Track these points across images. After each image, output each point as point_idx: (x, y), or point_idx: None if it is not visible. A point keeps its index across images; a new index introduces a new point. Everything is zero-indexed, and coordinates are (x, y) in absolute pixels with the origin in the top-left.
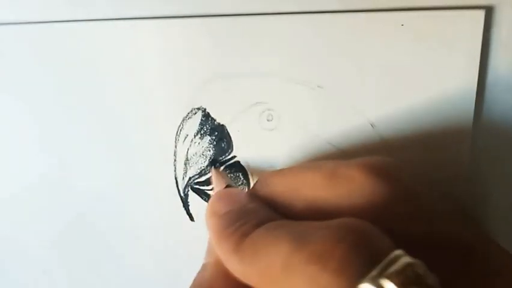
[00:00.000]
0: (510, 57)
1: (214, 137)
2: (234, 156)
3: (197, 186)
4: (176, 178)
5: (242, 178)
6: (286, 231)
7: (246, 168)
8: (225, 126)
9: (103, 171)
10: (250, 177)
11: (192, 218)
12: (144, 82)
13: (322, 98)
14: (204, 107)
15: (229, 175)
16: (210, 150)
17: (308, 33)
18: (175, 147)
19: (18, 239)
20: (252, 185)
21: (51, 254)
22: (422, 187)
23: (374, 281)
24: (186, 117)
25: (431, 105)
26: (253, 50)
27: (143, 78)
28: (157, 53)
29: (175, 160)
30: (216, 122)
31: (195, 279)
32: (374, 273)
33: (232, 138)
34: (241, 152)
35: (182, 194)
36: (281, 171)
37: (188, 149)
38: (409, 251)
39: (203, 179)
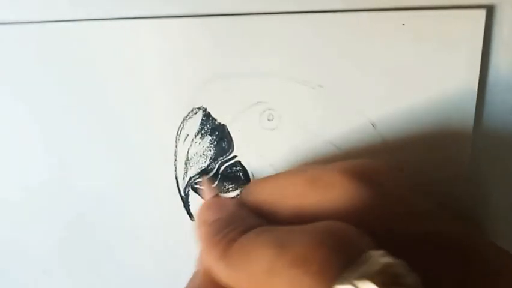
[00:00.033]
0: (511, 57)
1: (214, 137)
2: (235, 156)
3: (198, 186)
4: (177, 178)
5: (243, 178)
6: (270, 236)
7: (247, 168)
8: (226, 126)
9: (103, 171)
10: (251, 176)
11: (192, 218)
12: (144, 82)
13: (323, 97)
14: (205, 106)
15: (229, 175)
16: (210, 150)
17: (309, 32)
18: (176, 147)
19: (18, 239)
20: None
21: (51, 254)
22: (409, 189)
23: (349, 281)
24: (187, 117)
25: (432, 105)
26: (254, 50)
27: (143, 78)
28: (157, 53)
29: (175, 160)
30: (216, 122)
31: (185, 287)
32: (351, 274)
33: (233, 138)
34: (242, 151)
35: (183, 194)
36: (266, 179)
37: (189, 149)
38: (396, 252)
39: None
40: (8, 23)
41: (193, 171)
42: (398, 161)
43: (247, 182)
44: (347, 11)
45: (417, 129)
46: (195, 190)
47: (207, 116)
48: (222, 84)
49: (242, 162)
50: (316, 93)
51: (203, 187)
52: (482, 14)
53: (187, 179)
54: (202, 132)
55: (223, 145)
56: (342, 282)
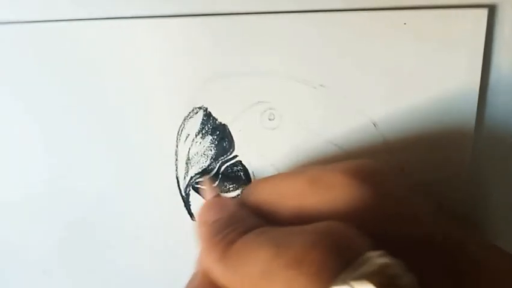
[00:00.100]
0: None
1: (215, 137)
2: (236, 156)
3: (198, 186)
4: (177, 178)
5: (243, 178)
6: (269, 237)
7: (248, 168)
8: (227, 126)
9: (104, 171)
10: (251, 176)
11: (193, 218)
12: (145, 81)
13: (324, 97)
14: (206, 106)
15: (230, 174)
16: (211, 150)
17: (310, 32)
18: (177, 146)
19: (18, 239)
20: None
21: (51, 254)
22: (408, 190)
23: (346, 282)
24: (187, 116)
25: (433, 105)
26: (255, 49)
27: (143, 78)
28: (157, 52)
29: (176, 160)
30: (217, 122)
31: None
32: (348, 274)
33: (234, 138)
34: (243, 151)
35: (183, 194)
36: (267, 179)
37: (189, 149)
38: (394, 253)
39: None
40: (8, 23)
41: (193, 171)
42: (399, 161)
43: (248, 182)
44: (348, 10)
45: (419, 129)
46: (196, 190)
47: (207, 115)
48: (222, 84)
49: (243, 162)
50: (318, 92)
51: (204, 187)
52: (484, 13)
53: (187, 178)
54: (203, 131)
55: (224, 145)
56: (338, 283)
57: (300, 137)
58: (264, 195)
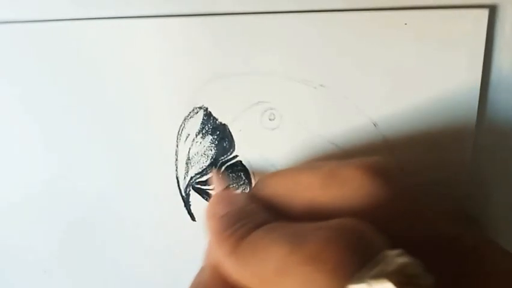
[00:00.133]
0: None
1: (215, 137)
2: (236, 156)
3: (199, 186)
4: (177, 178)
5: (244, 178)
6: (282, 233)
7: (248, 168)
8: (227, 126)
9: (104, 171)
10: (252, 176)
11: (193, 218)
12: (145, 81)
13: (324, 97)
14: (206, 106)
15: (230, 175)
16: (211, 150)
17: (310, 32)
18: (177, 146)
19: (19, 239)
20: (253, 184)
21: (51, 254)
22: (419, 189)
23: (367, 281)
24: (188, 116)
25: (434, 105)
26: (255, 49)
27: (144, 78)
28: (157, 52)
29: (176, 160)
30: (217, 121)
31: (192, 282)
32: (367, 273)
33: (234, 138)
34: (243, 151)
35: (183, 194)
36: (279, 173)
37: (189, 149)
38: (409, 251)
39: (205, 178)
40: (8, 22)
41: (194, 171)
42: (400, 161)
43: (248, 182)
44: (349, 10)
45: (419, 129)
46: (196, 190)
47: (208, 115)
48: (223, 84)
49: (243, 162)
50: (318, 92)
51: (213, 179)
52: (484, 13)
53: (187, 178)
54: (203, 131)
55: (224, 145)
56: (357, 280)
57: (300, 137)
58: (277, 189)
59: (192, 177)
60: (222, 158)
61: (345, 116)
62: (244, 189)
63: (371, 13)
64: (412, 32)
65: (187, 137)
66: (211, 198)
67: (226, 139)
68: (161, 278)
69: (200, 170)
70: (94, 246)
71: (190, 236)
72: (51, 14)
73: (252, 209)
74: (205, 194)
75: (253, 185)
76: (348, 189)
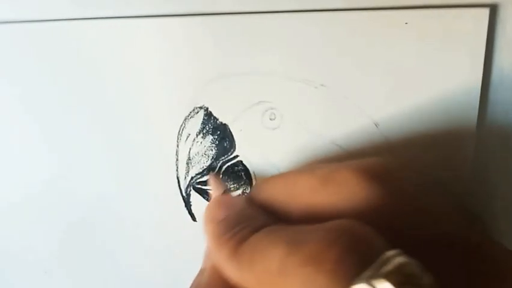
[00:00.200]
0: None
1: (216, 136)
2: (237, 156)
3: (199, 186)
4: (178, 178)
5: (244, 178)
6: (282, 235)
7: (249, 168)
8: (228, 126)
9: (104, 171)
10: (252, 176)
11: (194, 218)
12: (145, 81)
13: (325, 97)
14: (206, 106)
15: (231, 174)
16: (212, 150)
17: (311, 31)
18: (177, 146)
19: (19, 239)
20: (254, 184)
21: (52, 254)
22: (421, 188)
23: (367, 281)
24: (188, 116)
25: (435, 104)
26: (255, 49)
27: (144, 77)
28: (158, 52)
29: (177, 160)
30: (218, 121)
31: (192, 284)
32: (367, 273)
33: (235, 138)
34: (244, 151)
35: (184, 194)
36: (277, 177)
37: (190, 149)
38: (412, 251)
39: (205, 178)
40: (8, 22)
41: (194, 171)
42: (401, 161)
43: (249, 182)
44: (349, 9)
45: (421, 129)
46: (197, 190)
47: (208, 115)
48: (223, 84)
49: (244, 162)
50: (319, 92)
51: (211, 183)
52: (485, 12)
53: (188, 178)
54: (204, 131)
55: (225, 145)
56: (357, 281)
57: (301, 137)
58: (274, 193)
59: (192, 177)
60: (223, 158)
61: (346, 115)
62: (245, 189)
63: (371, 12)
64: (413, 31)
65: (187, 137)
66: (209, 203)
67: (227, 139)
68: (161, 278)
69: (201, 170)
70: (94, 246)
71: (190, 236)
72: (51, 14)
73: (251, 213)
74: (205, 194)
75: (253, 185)
76: (345, 192)
